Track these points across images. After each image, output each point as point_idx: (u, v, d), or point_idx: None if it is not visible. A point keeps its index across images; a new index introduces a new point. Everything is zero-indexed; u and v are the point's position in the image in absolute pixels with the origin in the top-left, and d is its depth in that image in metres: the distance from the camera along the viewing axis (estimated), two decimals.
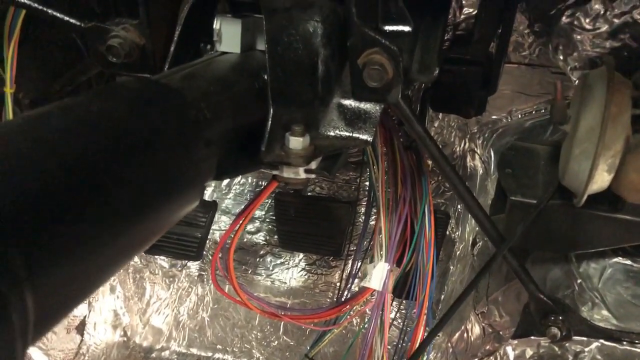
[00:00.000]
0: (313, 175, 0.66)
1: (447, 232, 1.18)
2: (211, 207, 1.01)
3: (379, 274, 0.95)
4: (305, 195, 1.09)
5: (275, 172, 0.67)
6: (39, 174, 0.37)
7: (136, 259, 1.29)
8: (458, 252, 1.16)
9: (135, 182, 0.44)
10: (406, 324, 1.14)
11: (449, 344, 1.00)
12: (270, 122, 0.63)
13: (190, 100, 0.53)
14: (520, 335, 0.80)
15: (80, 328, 1.21)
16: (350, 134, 0.67)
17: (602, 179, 0.65)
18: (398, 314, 1.19)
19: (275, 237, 1.25)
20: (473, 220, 1.16)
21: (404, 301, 1.19)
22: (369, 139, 0.67)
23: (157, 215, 0.48)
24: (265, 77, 0.64)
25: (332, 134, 0.67)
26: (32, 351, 1.10)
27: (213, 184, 1.28)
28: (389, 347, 1.12)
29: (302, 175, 0.66)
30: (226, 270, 0.91)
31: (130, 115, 0.46)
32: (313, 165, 0.66)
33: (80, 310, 1.22)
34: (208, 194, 1.22)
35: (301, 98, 0.64)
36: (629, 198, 0.67)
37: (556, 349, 0.77)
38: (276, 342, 1.25)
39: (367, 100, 0.66)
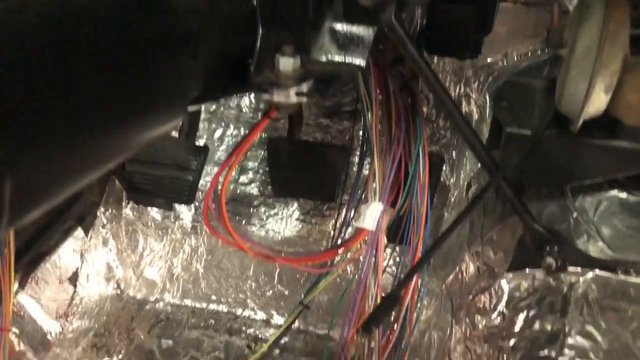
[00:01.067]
0: (305, 99, 0.65)
1: (442, 179, 1.18)
2: (202, 151, 1.00)
3: (372, 214, 0.94)
4: (299, 140, 1.07)
5: (265, 96, 0.66)
6: (20, 54, 0.35)
7: (128, 211, 1.28)
8: (453, 199, 1.15)
9: (117, 79, 0.43)
10: (400, 271, 1.14)
11: (443, 287, 1.00)
12: (259, 42, 0.61)
13: (177, 9, 0.52)
14: (515, 268, 0.80)
15: (73, 279, 1.21)
16: (343, 59, 0.65)
17: (599, 100, 0.64)
18: (392, 261, 1.19)
19: (269, 188, 1.24)
20: (468, 166, 1.15)
21: (397, 248, 1.19)
22: (361, 64, 0.66)
23: (140, 118, 0.47)
24: (255, 1, 0.62)
25: (323, 59, 0.65)
26: (25, 300, 1.09)
27: (205, 137, 1.26)
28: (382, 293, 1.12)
29: (293, 98, 0.65)
30: (218, 211, 0.91)
31: (113, 12, 0.44)
32: (304, 87, 0.64)
33: (73, 261, 1.21)
34: (200, 143, 1.21)
35: (291, 21, 0.62)
36: (626, 119, 0.66)
37: (551, 281, 0.77)
38: (270, 292, 1.24)
39: (359, 22, 0.64)
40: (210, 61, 0.55)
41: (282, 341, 1.21)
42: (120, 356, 1.18)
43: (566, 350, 0.70)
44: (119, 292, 1.29)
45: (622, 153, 0.72)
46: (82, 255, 1.23)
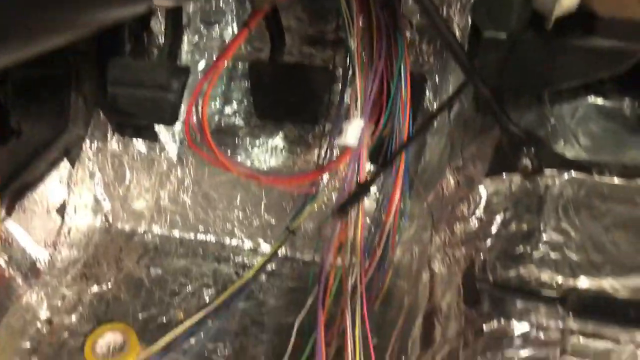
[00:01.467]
0: None
1: (425, 106, 1.18)
2: (184, 72, 1.00)
3: (354, 130, 0.94)
4: (281, 63, 1.07)
5: None
6: None
7: (114, 144, 1.29)
8: (436, 125, 1.16)
9: None
10: (383, 198, 1.15)
11: (425, 205, 1.01)
12: None
13: None
14: (493, 173, 0.81)
15: (61, 210, 1.21)
16: None
17: None
18: (375, 188, 1.20)
19: (253, 118, 1.24)
20: (450, 91, 1.16)
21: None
22: None
23: None
24: None
25: None
26: (14, 228, 1.10)
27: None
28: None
29: None
30: (200, 127, 0.91)
31: None
32: None
33: (60, 193, 1.22)
34: (183, 59, 1.21)
35: None
36: (600, 9, 0.66)
37: (528, 184, 0.78)
38: (257, 222, 1.26)
39: None
40: None
41: (270, 267, 1.23)
42: (109, 285, 1.20)
43: (541, 246, 0.72)
44: (107, 224, 1.30)
45: (597, 52, 0.73)
46: (69, 188, 1.24)
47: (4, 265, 1.09)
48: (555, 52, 0.75)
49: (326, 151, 1.17)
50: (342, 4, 0.96)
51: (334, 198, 1.23)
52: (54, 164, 1.21)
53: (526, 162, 0.75)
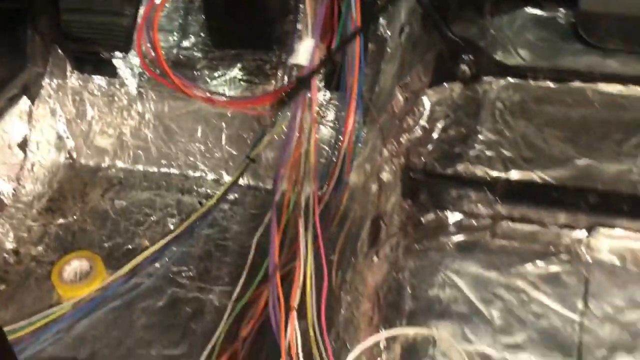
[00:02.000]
0: None
1: (379, 33, 1.21)
2: None
3: (305, 50, 0.97)
4: None
5: None
6: None
7: (74, 81, 1.30)
8: (390, 51, 1.19)
9: None
10: (341, 124, 1.18)
11: (377, 126, 1.05)
12: None
13: None
14: (434, 84, 0.85)
15: (22, 145, 1.23)
16: None
17: None
18: (333, 116, 1.23)
19: (212, 51, 1.26)
20: (402, 14, 1.18)
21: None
22: None
23: None
24: None
25: None
26: None
27: None
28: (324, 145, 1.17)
29: None
30: (152, 46, 0.93)
31: None
32: None
33: (21, 128, 1.23)
34: None
35: None
36: None
37: (468, 92, 0.82)
38: (219, 154, 1.29)
39: None
40: None
41: (233, 197, 1.26)
42: (75, 217, 1.22)
43: (476, 145, 0.76)
44: (71, 161, 1.32)
45: None
46: (30, 124, 1.24)
47: None
48: None
49: (284, 80, 1.20)
50: None
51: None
52: (12, 101, 1.21)
53: (464, 68, 0.79)
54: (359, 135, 1.11)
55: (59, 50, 1.26)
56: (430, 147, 0.81)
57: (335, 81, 1.11)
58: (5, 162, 1.18)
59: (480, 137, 0.76)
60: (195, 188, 1.28)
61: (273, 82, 1.25)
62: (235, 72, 1.26)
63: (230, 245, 1.17)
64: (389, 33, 1.20)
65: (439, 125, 0.82)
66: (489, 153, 0.75)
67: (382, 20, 1.19)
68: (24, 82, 1.23)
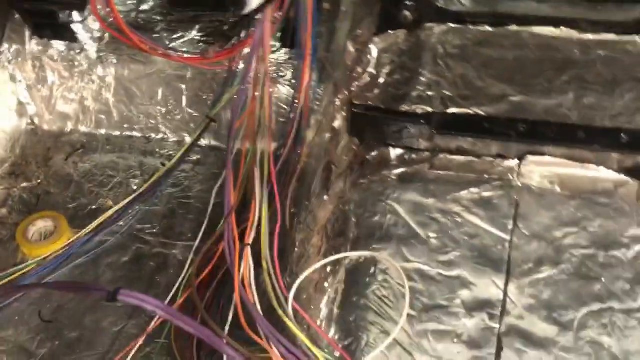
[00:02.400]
0: None
1: None
2: None
3: None
4: None
5: None
6: None
7: (33, 46, 1.30)
8: (344, 9, 1.22)
9: None
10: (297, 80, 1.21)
11: (332, 81, 1.08)
12: None
13: None
14: (379, 32, 0.88)
15: None
16: None
17: None
18: (290, 75, 1.25)
19: (171, 14, 1.28)
20: None
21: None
22: None
23: None
24: None
25: None
26: None
27: None
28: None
29: None
30: (107, 4, 0.95)
31: None
32: None
33: None
34: None
35: None
36: None
37: (411, 38, 0.85)
38: (180, 116, 1.31)
39: None
40: None
41: (195, 158, 1.28)
42: (39, 181, 1.24)
43: (418, 87, 0.79)
44: (33, 127, 1.33)
45: None
46: None
47: None
48: None
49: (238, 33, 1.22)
50: None
51: None
52: None
53: (406, 14, 0.82)
54: (315, 92, 1.14)
55: (17, 16, 1.27)
56: (376, 91, 0.84)
57: (289, 39, 1.13)
58: None
59: (422, 79, 0.80)
60: (158, 150, 1.30)
61: (232, 42, 1.27)
62: (194, 34, 1.28)
63: (192, 204, 1.20)
64: None
65: (385, 70, 0.85)
66: (429, 93, 0.78)
67: None
68: None
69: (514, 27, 0.81)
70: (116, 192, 1.22)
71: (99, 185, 1.23)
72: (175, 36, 1.28)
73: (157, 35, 1.28)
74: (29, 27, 1.28)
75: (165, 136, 1.32)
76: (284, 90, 1.23)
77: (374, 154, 0.74)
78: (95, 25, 1.28)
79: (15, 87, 1.30)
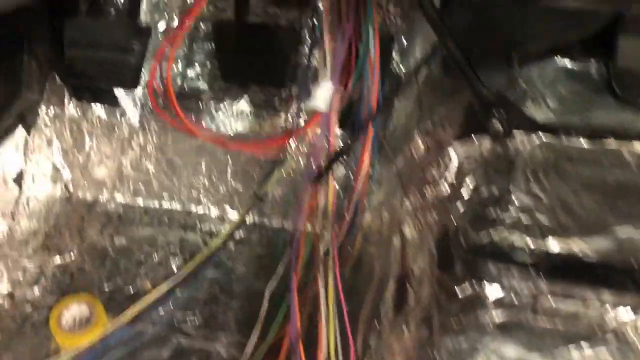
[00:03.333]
0: None
1: (392, 68, 1.17)
2: (145, 33, 0.95)
3: (323, 94, 0.93)
4: (246, 22, 1.03)
5: None
6: None
7: (72, 110, 1.24)
8: (404, 88, 1.15)
9: None
10: (354, 162, 1.14)
11: (394, 168, 1.01)
12: None
13: None
14: (463, 136, 0.81)
15: (18, 180, 1.17)
16: None
17: None
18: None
19: (218, 82, 1.21)
20: (417, 54, 1.14)
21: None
22: None
23: None
24: None
25: None
26: None
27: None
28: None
29: None
30: (165, 91, 0.88)
31: None
32: None
33: (16, 161, 1.17)
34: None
35: None
36: None
37: (498, 147, 0.78)
38: (224, 189, 1.24)
39: None
40: None
41: (238, 235, 1.21)
42: (72, 256, 1.17)
43: (511, 209, 0.72)
44: (67, 194, 1.26)
45: (567, 14, 0.73)
46: (25, 156, 1.19)
47: None
48: (526, 13, 0.74)
49: (294, 115, 1.16)
50: None
51: (302, 163, 1.22)
52: (8, 131, 1.15)
53: (497, 125, 0.75)
54: (374, 176, 1.07)
55: (57, 78, 1.21)
56: (460, 206, 0.77)
57: (350, 122, 1.07)
58: (0, 199, 1.12)
59: (515, 199, 0.73)
60: (199, 225, 1.23)
61: (282, 115, 1.21)
62: (243, 104, 1.21)
63: (236, 289, 1.12)
64: (403, 69, 1.16)
65: (469, 182, 0.78)
66: (524, 219, 0.71)
67: (395, 56, 1.15)
68: (20, 110, 1.18)
69: (611, 143, 0.74)
70: (154, 272, 1.15)
71: (136, 264, 1.16)
72: (222, 105, 1.21)
73: (203, 104, 1.22)
74: (69, 89, 1.21)
75: (207, 210, 1.24)
76: (337, 172, 1.16)
77: (465, 288, 0.66)
78: (138, 90, 1.21)
79: (51, 151, 1.23)
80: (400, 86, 1.12)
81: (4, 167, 1.14)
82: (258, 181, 1.21)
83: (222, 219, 1.24)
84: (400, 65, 1.16)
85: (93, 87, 1.18)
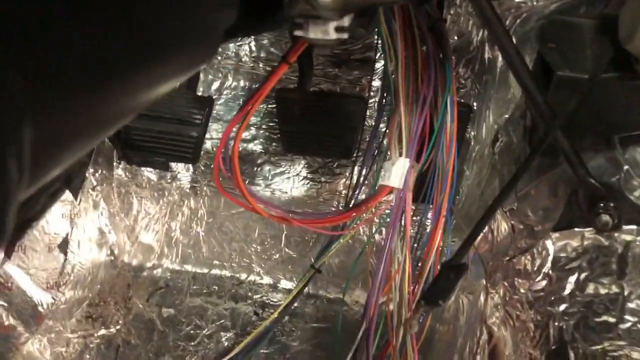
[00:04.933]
0: (346, 35, 0.56)
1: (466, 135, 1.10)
2: (207, 103, 0.89)
3: (399, 171, 0.86)
4: (310, 90, 0.97)
5: (299, 33, 0.56)
6: None
7: (120, 172, 1.18)
8: (474, 154, 1.08)
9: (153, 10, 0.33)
10: (419, 232, 1.06)
11: (471, 246, 0.93)
12: None
13: None
14: (563, 228, 0.73)
15: (63, 246, 1.11)
16: None
17: None
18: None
19: (274, 144, 1.15)
20: (491, 118, 1.07)
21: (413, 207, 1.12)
22: None
23: (173, 54, 0.37)
24: None
25: None
26: (13, 270, 1.00)
27: (201, 90, 1.16)
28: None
29: (333, 34, 0.55)
30: (230, 171, 0.82)
31: None
32: (346, 21, 0.55)
33: (63, 227, 1.11)
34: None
35: None
36: None
37: (603, 240, 0.70)
38: (277, 255, 1.17)
39: None
40: None
41: (292, 307, 1.14)
42: (118, 327, 1.10)
43: (627, 317, 0.64)
44: (112, 258, 1.20)
45: None
46: (71, 220, 1.13)
47: (2, 312, 0.98)
48: (631, 96, 0.67)
49: (357, 182, 1.09)
50: (383, 27, 0.87)
51: (361, 232, 1.15)
52: (54, 195, 1.10)
53: (606, 218, 0.67)
54: (446, 250, 0.99)
55: (106, 138, 1.15)
56: (563, 307, 0.69)
57: (422, 193, 0.99)
58: (45, 268, 1.06)
59: (630, 305, 0.64)
60: (251, 295, 1.15)
61: (341, 181, 1.14)
62: (299, 169, 1.14)
63: None
64: (473, 133, 1.09)
65: (571, 278, 0.70)
66: None
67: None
68: (67, 173, 1.12)
69: None
70: (205, 348, 1.07)
71: (185, 338, 1.09)
72: (278, 170, 1.15)
73: (258, 168, 1.15)
74: (118, 151, 1.16)
75: (259, 277, 1.17)
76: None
77: None
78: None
79: (97, 214, 1.18)
80: (471, 156, 1.04)
81: (50, 234, 1.08)
82: (313, 247, 1.13)
83: (275, 287, 1.17)
84: (472, 131, 1.09)
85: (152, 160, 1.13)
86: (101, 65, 0.30)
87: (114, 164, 1.17)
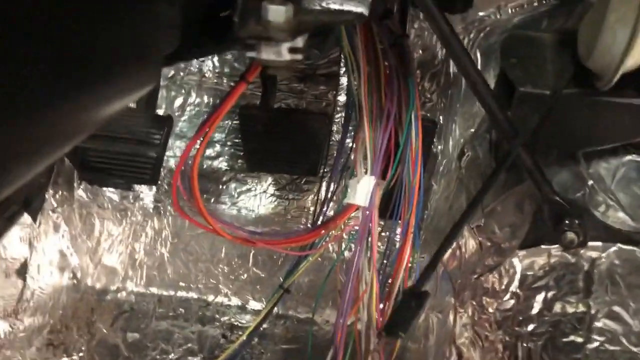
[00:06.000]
0: (299, 56, 0.54)
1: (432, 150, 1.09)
2: (166, 122, 0.87)
3: (364, 189, 0.84)
4: (274, 108, 0.95)
5: (251, 54, 0.54)
6: None
7: (81, 193, 1.15)
8: (441, 168, 1.07)
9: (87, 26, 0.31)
10: (388, 248, 1.05)
11: (440, 264, 0.91)
12: None
13: None
14: (529, 245, 0.72)
15: (22, 272, 1.07)
16: (341, 7, 0.55)
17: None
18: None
19: (239, 162, 1.13)
20: (457, 132, 1.06)
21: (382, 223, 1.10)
22: (364, 12, 0.55)
23: (111, 80, 0.35)
24: None
25: (317, 7, 0.54)
26: None
27: (163, 107, 1.13)
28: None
29: (287, 55, 0.53)
30: (189, 192, 0.79)
31: None
32: (300, 42, 0.53)
33: (20, 252, 1.07)
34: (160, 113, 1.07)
35: None
36: None
37: (569, 257, 0.69)
38: (245, 276, 1.14)
39: None
40: (188, 6, 0.43)
41: (261, 328, 1.11)
42: (81, 353, 1.06)
43: (595, 336, 0.63)
44: (75, 282, 1.16)
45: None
46: (30, 244, 1.09)
47: None
48: (602, 111, 0.66)
49: (324, 199, 1.07)
50: (345, 44, 0.85)
51: (331, 250, 1.13)
52: (12, 219, 1.06)
53: (571, 235, 0.66)
54: (415, 267, 0.98)
55: (65, 158, 1.12)
56: (531, 327, 0.67)
57: (389, 209, 0.98)
58: (2, 296, 1.02)
59: (597, 324, 0.63)
60: (218, 317, 1.12)
61: (310, 197, 1.12)
62: (266, 186, 1.12)
63: None
64: (440, 147, 1.08)
65: (538, 297, 0.69)
66: (610, 348, 0.62)
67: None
68: (25, 195, 1.08)
69: None
70: None
71: None
72: (244, 188, 1.13)
73: (224, 186, 1.13)
74: (78, 171, 1.12)
75: (227, 299, 1.15)
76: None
77: None
78: None
79: (58, 237, 1.14)
80: (438, 170, 1.03)
81: (7, 259, 1.04)
82: (281, 266, 1.11)
83: (243, 309, 1.14)
84: (439, 146, 1.08)
85: (109, 182, 1.10)
86: (25, 91, 0.28)
87: (75, 184, 1.13)
